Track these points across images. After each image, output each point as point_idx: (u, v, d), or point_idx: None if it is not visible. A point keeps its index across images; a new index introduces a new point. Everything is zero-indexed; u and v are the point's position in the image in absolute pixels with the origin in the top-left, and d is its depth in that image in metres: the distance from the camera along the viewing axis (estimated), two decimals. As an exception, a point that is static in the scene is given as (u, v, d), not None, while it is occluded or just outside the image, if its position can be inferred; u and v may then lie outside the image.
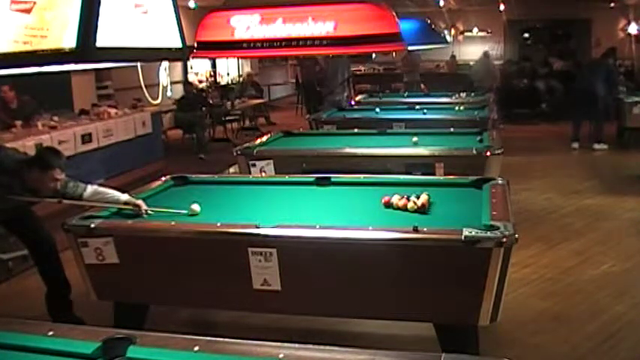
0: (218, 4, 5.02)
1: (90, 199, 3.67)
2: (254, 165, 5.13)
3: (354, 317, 3.46)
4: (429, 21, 8.23)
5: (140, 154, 8.52)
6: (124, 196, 3.67)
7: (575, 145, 9.62)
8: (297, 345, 1.84)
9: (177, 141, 10.94)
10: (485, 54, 12.87)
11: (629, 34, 14.86)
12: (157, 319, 3.61)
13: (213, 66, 14.66)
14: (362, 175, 4.23)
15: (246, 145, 5.50)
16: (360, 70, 16.37)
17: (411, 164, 4.85)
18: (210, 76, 14.56)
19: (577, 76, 10.28)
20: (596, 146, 9.44)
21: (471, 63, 13.63)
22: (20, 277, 4.89)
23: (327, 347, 1.83)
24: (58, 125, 7.26)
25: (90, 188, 3.72)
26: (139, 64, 2.84)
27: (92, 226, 3.25)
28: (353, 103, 9.41)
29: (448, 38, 13.19)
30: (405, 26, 5.00)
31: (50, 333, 1.95)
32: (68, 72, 8.00)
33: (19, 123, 7.12)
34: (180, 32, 2.19)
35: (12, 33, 1.81)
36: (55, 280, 4.06)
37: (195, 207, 3.50)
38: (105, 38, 1.80)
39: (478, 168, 4.58)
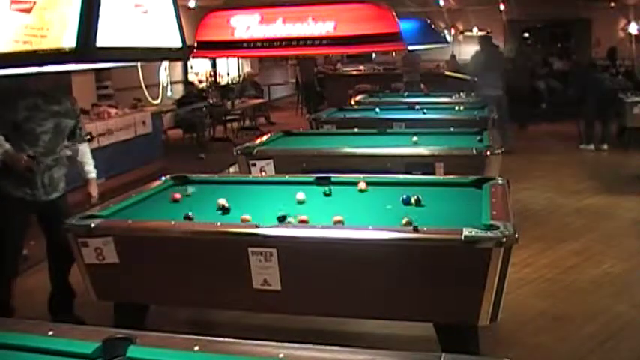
0: (218, 4, 5.02)
1: (81, 157, 4.09)
2: (254, 165, 5.13)
3: (354, 317, 3.45)
4: (429, 21, 8.20)
5: (140, 154, 8.52)
6: (92, 175, 4.09)
7: (591, 147, 9.50)
8: (297, 345, 1.84)
9: (178, 141, 10.94)
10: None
11: (629, 34, 14.85)
12: (157, 319, 3.62)
13: (213, 66, 14.65)
14: (362, 175, 4.23)
15: (246, 144, 5.50)
16: (360, 70, 16.38)
17: (411, 164, 4.84)
18: (210, 76, 14.55)
19: (585, 75, 10.19)
20: (599, 147, 9.45)
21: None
22: (20, 277, 4.86)
23: (327, 347, 1.83)
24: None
25: (86, 146, 4.15)
26: (139, 64, 2.84)
27: (92, 225, 3.25)
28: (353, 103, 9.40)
29: (448, 38, 13.11)
30: (405, 26, 4.99)
31: (50, 333, 1.95)
32: (68, 72, 8.00)
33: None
34: (180, 32, 2.19)
35: (12, 33, 1.81)
36: (64, 282, 4.07)
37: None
38: (105, 38, 1.80)
39: (478, 168, 4.58)
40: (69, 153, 4.09)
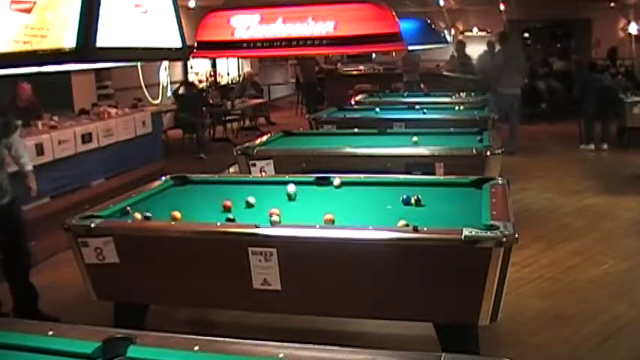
0: (218, 4, 5.02)
1: (15, 150, 4.10)
2: (254, 165, 5.13)
3: (354, 317, 3.46)
4: (429, 21, 8.19)
5: (140, 154, 8.50)
6: (29, 167, 4.15)
7: (591, 146, 9.50)
8: (297, 345, 1.84)
9: (178, 141, 10.94)
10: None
11: (630, 34, 14.84)
12: (157, 319, 3.61)
13: (213, 66, 14.64)
14: (362, 175, 4.23)
15: (246, 144, 5.50)
16: (360, 70, 16.37)
17: (411, 164, 4.85)
18: (210, 76, 14.55)
19: (585, 74, 10.21)
20: (599, 147, 9.46)
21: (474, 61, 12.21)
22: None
23: (327, 347, 1.83)
24: (58, 125, 7.23)
25: (18, 135, 4.20)
26: (139, 64, 2.84)
27: (92, 225, 3.25)
28: (353, 103, 9.40)
29: (448, 38, 13.06)
30: (405, 26, 4.99)
31: (50, 333, 1.95)
32: (68, 72, 8.00)
33: (19, 122, 7.08)
34: (180, 32, 2.19)
35: (12, 33, 1.81)
36: (24, 284, 4.05)
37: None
38: (105, 38, 1.80)
39: (478, 168, 4.58)
40: (9, 170, 4.08)
